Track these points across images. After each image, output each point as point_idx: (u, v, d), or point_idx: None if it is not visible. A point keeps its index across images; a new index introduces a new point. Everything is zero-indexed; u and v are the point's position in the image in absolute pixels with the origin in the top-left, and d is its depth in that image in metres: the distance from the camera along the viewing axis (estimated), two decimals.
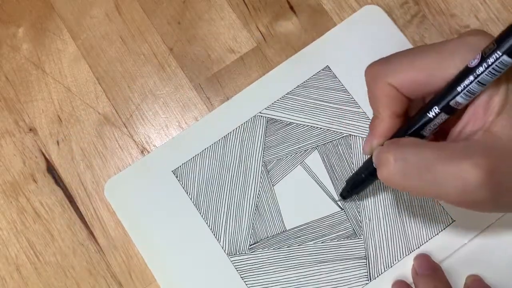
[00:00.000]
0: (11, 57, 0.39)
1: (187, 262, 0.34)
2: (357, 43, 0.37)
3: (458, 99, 0.25)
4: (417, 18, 0.37)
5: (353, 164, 0.35)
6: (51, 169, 0.37)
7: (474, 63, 0.24)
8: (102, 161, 0.37)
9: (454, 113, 0.26)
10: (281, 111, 0.36)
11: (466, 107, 0.26)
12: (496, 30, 0.37)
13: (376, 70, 0.28)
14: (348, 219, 0.34)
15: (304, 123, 0.36)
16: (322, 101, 0.36)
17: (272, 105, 0.36)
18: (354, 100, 0.36)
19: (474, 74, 0.24)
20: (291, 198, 0.35)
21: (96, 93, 0.38)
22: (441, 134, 0.28)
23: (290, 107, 0.36)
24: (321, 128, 0.36)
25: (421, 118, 0.27)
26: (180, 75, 0.38)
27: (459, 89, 0.25)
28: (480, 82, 0.24)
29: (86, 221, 0.36)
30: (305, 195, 0.35)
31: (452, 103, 0.25)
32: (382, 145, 0.28)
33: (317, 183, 0.35)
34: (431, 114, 0.26)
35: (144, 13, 0.39)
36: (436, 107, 0.26)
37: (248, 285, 0.33)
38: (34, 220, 0.36)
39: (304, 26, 0.38)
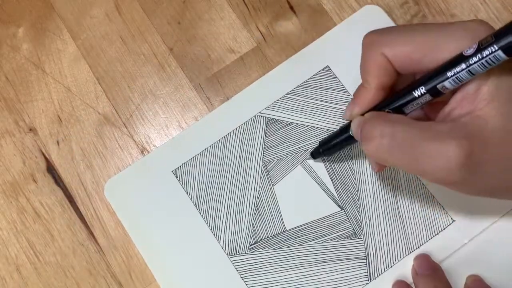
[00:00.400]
0: (11, 57, 0.39)
1: (187, 262, 0.34)
2: (357, 43, 0.36)
3: (446, 84, 0.25)
4: (417, 18, 0.37)
5: (353, 164, 0.35)
6: (51, 169, 0.37)
7: (469, 52, 0.24)
8: (102, 161, 0.37)
9: (438, 96, 0.26)
10: (281, 111, 0.36)
11: (453, 91, 0.26)
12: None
13: (373, 38, 0.28)
14: (348, 219, 0.34)
15: (304, 123, 0.36)
16: (322, 101, 0.36)
17: (272, 105, 0.36)
18: None
19: (467, 62, 0.24)
20: (291, 198, 0.35)
21: (96, 93, 0.38)
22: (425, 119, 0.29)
23: (290, 107, 0.36)
24: (321, 128, 0.36)
25: (406, 96, 0.27)
26: (180, 75, 0.38)
27: (449, 74, 0.25)
28: (470, 72, 0.24)
29: (86, 221, 0.36)
30: (305, 195, 0.35)
31: (439, 86, 0.25)
32: (362, 114, 0.29)
33: (317, 183, 0.35)
34: (416, 93, 0.26)
35: (144, 13, 0.39)
36: (423, 87, 0.26)
37: (248, 285, 0.33)
38: (34, 220, 0.36)
39: (304, 26, 0.38)
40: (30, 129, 0.37)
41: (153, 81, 0.38)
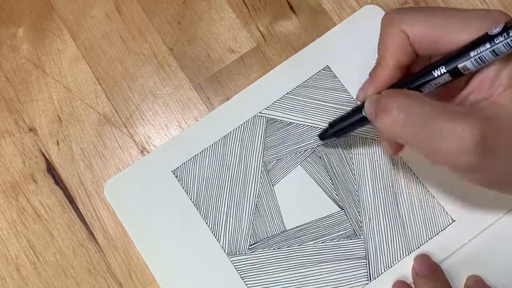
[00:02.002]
0: (11, 57, 0.39)
1: (187, 262, 0.34)
2: (357, 43, 0.37)
3: (468, 64, 0.25)
4: None
5: (353, 164, 0.35)
6: (51, 169, 0.37)
7: (495, 31, 0.24)
8: (102, 161, 0.37)
9: (458, 77, 0.26)
10: (281, 111, 0.36)
11: (469, 77, 0.26)
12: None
13: (392, 16, 0.28)
14: (348, 219, 0.34)
15: (304, 123, 0.36)
16: (322, 101, 0.36)
17: (272, 105, 0.36)
18: (354, 100, 0.36)
19: (492, 42, 0.24)
20: (291, 198, 0.35)
21: (96, 93, 0.38)
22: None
23: (290, 107, 0.36)
24: (321, 128, 0.36)
25: (425, 75, 0.27)
26: (180, 75, 0.38)
27: (472, 54, 0.25)
28: (494, 52, 0.24)
29: (86, 221, 0.36)
30: (305, 195, 0.35)
31: (460, 66, 0.25)
32: (377, 93, 0.29)
33: (317, 183, 0.35)
34: (436, 73, 0.26)
35: (144, 13, 0.39)
36: (444, 66, 0.26)
37: (248, 285, 0.33)
38: (34, 220, 0.36)
39: (304, 26, 0.38)
40: (30, 129, 0.37)
41: (153, 81, 0.38)
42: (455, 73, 0.26)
